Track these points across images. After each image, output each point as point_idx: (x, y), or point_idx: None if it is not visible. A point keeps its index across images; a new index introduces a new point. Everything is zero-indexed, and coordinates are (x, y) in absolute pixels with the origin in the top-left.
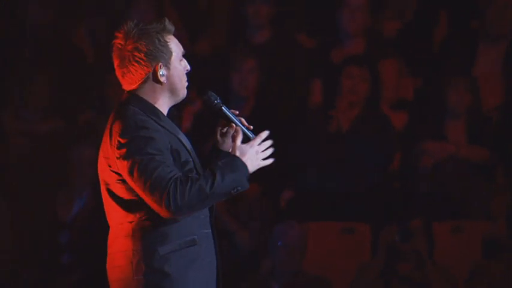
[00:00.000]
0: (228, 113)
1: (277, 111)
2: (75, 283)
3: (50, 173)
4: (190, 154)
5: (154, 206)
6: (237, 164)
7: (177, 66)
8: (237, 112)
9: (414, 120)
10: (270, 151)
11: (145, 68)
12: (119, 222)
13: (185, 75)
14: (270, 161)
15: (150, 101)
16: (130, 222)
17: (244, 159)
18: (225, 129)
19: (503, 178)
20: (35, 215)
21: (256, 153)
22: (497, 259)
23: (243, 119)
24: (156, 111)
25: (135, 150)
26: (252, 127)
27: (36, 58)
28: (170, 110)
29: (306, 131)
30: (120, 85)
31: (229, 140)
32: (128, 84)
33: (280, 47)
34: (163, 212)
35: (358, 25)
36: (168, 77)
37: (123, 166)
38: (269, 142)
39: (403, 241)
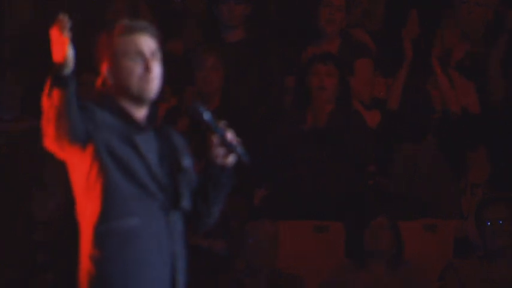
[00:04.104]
0: (211, 123)
1: (249, 110)
2: (51, 282)
3: (25, 172)
4: (141, 155)
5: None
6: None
7: (123, 64)
8: (223, 123)
9: (387, 119)
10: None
11: (99, 65)
12: (78, 211)
13: (138, 74)
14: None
15: (114, 97)
16: (81, 207)
17: None
18: (211, 141)
19: (475, 176)
20: (10, 213)
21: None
22: (468, 258)
23: (230, 132)
24: (115, 107)
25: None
26: (238, 140)
27: (10, 57)
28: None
29: (278, 129)
30: (93, 84)
31: (216, 150)
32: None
33: (254, 46)
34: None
35: (337, 25)
36: (113, 76)
37: None
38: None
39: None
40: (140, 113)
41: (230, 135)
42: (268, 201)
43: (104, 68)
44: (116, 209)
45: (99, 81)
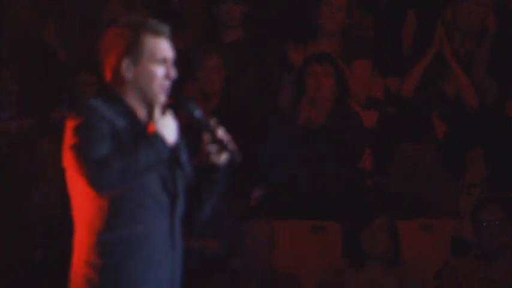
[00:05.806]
0: (202, 121)
1: (247, 109)
2: (49, 280)
3: (25, 172)
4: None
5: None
6: (153, 139)
7: (148, 68)
8: (213, 120)
9: (384, 119)
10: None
11: (113, 58)
12: (75, 215)
13: (160, 81)
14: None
15: (119, 93)
16: (80, 214)
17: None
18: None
19: (472, 176)
20: (10, 213)
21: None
22: (466, 257)
23: (220, 130)
24: (120, 105)
25: (76, 137)
26: (229, 137)
27: (7, 56)
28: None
29: (276, 129)
30: (91, 84)
31: (208, 148)
32: (105, 73)
33: (254, 46)
34: (96, 192)
35: (337, 25)
36: (134, 75)
37: (66, 150)
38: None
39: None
40: (143, 111)
41: (221, 133)
42: (266, 201)
43: (117, 62)
44: (123, 217)
45: (108, 75)
